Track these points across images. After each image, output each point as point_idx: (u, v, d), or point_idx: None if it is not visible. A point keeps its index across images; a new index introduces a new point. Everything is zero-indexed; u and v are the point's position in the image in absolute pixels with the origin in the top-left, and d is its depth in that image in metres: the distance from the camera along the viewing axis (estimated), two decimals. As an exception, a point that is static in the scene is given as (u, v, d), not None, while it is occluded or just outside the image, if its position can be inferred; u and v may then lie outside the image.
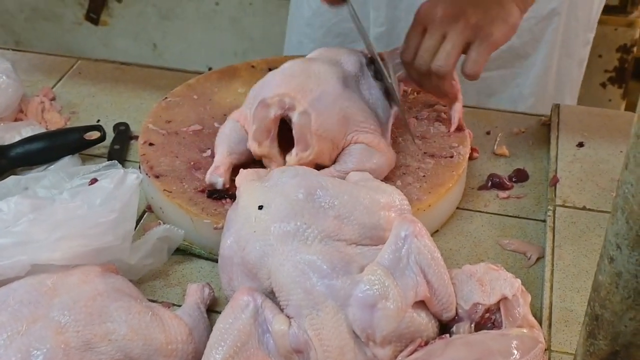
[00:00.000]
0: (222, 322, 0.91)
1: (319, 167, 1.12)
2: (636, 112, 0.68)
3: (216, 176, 1.11)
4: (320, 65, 1.17)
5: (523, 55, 1.55)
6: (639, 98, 0.71)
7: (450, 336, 0.92)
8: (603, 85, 2.25)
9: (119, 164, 1.11)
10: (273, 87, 1.14)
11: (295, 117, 1.09)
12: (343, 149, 1.14)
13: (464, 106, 1.35)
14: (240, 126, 1.16)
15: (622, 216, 0.70)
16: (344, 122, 1.12)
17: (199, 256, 1.13)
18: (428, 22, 1.17)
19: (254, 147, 1.11)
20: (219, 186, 1.11)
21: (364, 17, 1.54)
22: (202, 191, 1.13)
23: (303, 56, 1.26)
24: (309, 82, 1.13)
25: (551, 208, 1.17)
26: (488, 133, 1.34)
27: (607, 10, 1.72)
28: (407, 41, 1.20)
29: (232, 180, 1.10)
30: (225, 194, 1.12)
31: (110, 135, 1.32)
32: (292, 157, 1.09)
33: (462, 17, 1.16)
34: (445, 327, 0.95)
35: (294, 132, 1.09)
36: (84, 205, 0.98)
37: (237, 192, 1.02)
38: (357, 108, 1.14)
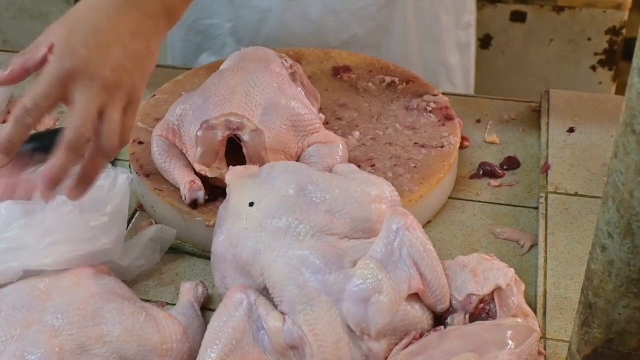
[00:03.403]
0: (216, 320, 0.91)
1: None
2: (624, 100, 0.68)
3: (195, 191, 1.09)
4: (254, 73, 1.14)
5: (373, 44, 1.49)
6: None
7: (444, 328, 0.92)
8: (593, 68, 2.24)
9: (109, 164, 1.10)
10: (212, 106, 1.11)
11: (246, 137, 1.06)
12: (299, 156, 1.13)
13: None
14: (170, 142, 1.14)
15: (612, 204, 0.70)
16: (293, 131, 1.12)
17: (192, 254, 1.12)
18: None
19: (203, 171, 1.08)
20: (202, 200, 1.09)
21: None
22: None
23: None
24: (250, 96, 1.11)
25: (543, 195, 1.16)
26: (478, 121, 1.33)
27: (596, -8, 1.71)
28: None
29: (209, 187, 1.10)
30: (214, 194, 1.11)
31: (99, 134, 1.31)
32: None
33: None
34: (439, 319, 0.95)
35: (245, 150, 1.07)
36: (74, 209, 0.98)
37: (227, 189, 1.02)
38: (299, 111, 1.13)
